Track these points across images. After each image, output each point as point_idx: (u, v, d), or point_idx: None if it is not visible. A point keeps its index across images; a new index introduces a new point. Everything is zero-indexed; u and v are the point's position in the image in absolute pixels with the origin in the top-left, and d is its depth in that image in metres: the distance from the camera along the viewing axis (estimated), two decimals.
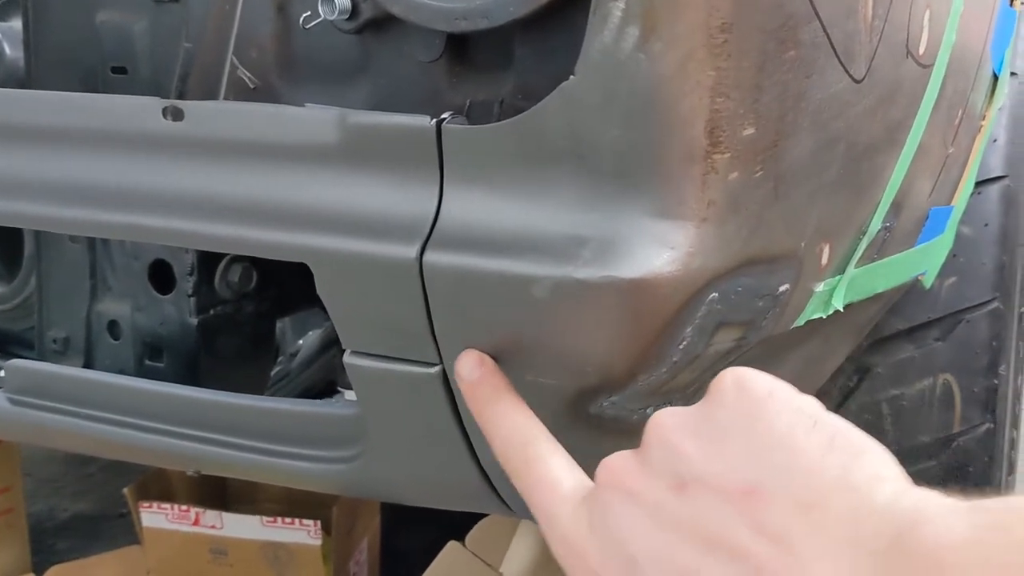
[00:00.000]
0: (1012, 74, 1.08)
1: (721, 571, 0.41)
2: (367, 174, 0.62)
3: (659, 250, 0.55)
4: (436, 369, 0.65)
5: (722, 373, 0.47)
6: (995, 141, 1.10)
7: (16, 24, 1.02)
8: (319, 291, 0.64)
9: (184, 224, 0.67)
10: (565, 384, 0.63)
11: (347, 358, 0.67)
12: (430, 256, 0.59)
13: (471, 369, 0.60)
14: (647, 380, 0.63)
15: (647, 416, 0.69)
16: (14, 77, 0.99)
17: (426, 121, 0.59)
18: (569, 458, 0.54)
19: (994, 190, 1.10)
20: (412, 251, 0.59)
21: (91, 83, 0.89)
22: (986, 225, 1.10)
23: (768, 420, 0.43)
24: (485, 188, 0.59)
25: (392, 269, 0.60)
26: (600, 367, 0.60)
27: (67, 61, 0.90)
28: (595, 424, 0.66)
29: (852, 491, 0.40)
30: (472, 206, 0.59)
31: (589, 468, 0.72)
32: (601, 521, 0.47)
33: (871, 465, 0.41)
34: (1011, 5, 0.99)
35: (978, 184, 1.05)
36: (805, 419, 0.43)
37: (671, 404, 0.70)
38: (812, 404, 0.44)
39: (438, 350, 0.64)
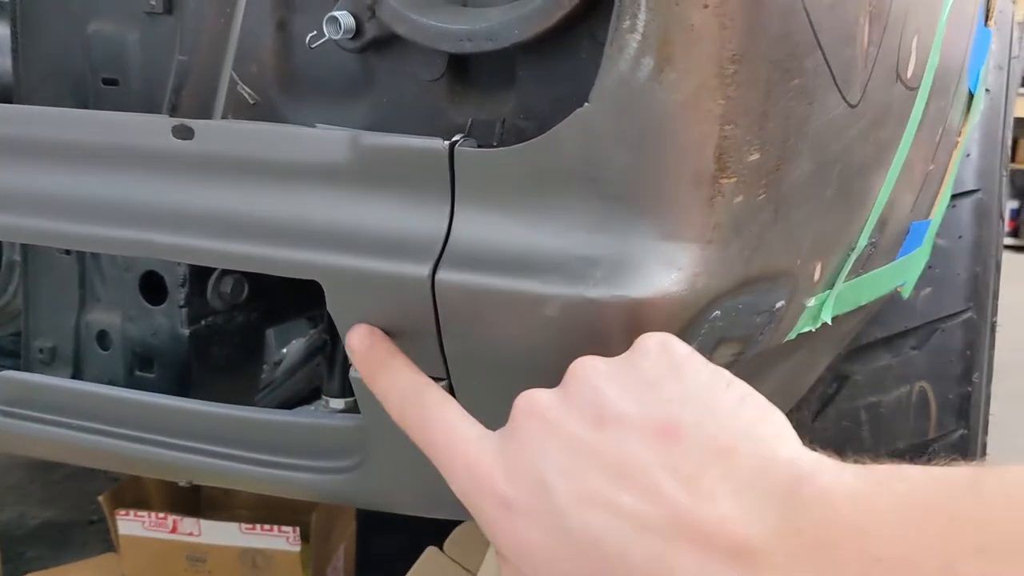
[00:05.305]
0: (986, 91, 1.11)
1: (629, 502, 0.44)
2: (379, 194, 0.63)
3: (667, 271, 0.57)
4: (442, 384, 0.66)
5: (645, 335, 0.51)
6: (968, 156, 1.13)
7: None
8: (329, 308, 0.65)
9: (193, 241, 0.67)
10: None
11: (353, 373, 0.68)
12: (442, 275, 0.61)
13: (362, 339, 0.62)
14: None
15: None
16: None
17: (439, 143, 0.61)
18: (463, 409, 0.56)
19: (967, 203, 1.14)
20: (424, 270, 0.61)
21: (81, 94, 0.88)
22: (960, 237, 1.13)
23: (688, 374, 0.47)
24: (496, 209, 0.60)
25: (404, 287, 0.61)
26: None
27: (57, 71, 0.90)
28: None
29: (760, 442, 0.44)
30: (483, 226, 0.60)
31: None
32: (515, 446, 0.49)
33: (776, 425, 0.45)
34: (985, 25, 1.02)
35: (953, 198, 1.08)
36: (721, 379, 0.47)
37: None
38: (725, 370, 0.48)
39: (445, 365, 0.65)
